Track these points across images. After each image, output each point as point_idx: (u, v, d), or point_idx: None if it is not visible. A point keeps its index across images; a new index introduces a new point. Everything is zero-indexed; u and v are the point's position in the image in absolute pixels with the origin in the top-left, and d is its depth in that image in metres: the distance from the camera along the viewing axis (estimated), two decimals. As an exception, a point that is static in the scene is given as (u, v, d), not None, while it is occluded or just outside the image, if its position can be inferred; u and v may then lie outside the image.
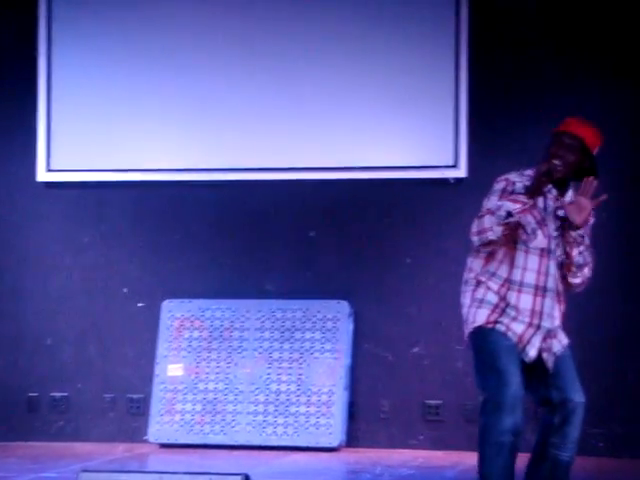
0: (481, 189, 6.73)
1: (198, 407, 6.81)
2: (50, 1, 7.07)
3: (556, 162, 4.07)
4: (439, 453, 6.52)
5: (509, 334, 4.05)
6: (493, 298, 4.08)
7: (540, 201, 4.09)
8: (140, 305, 7.09)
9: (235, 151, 6.99)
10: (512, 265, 4.06)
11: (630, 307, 6.56)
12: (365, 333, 6.88)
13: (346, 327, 6.83)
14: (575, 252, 4.09)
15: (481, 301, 4.10)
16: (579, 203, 4.04)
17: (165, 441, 6.75)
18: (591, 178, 4.06)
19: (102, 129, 7.05)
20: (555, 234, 4.11)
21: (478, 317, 4.08)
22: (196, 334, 6.95)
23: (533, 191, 4.03)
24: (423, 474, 5.77)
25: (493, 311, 4.07)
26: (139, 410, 6.91)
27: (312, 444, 6.60)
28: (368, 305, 6.89)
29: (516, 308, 4.04)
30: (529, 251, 4.06)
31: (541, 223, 4.07)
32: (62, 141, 7.09)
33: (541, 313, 4.06)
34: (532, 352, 4.06)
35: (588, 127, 4.16)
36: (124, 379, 6.97)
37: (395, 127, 6.86)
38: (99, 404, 6.96)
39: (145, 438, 6.79)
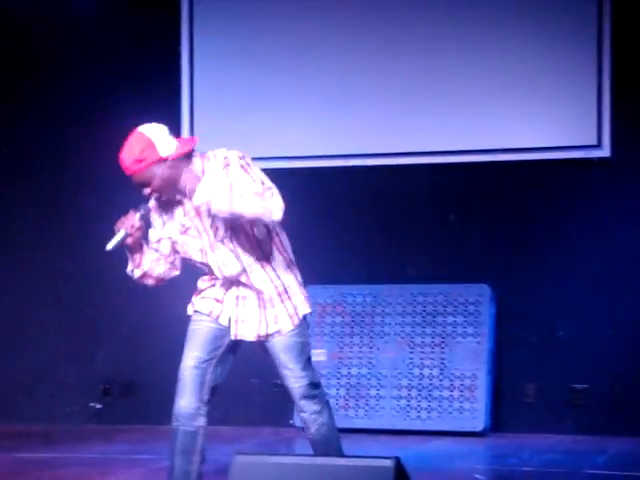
0: (625, 169, 6.67)
1: (342, 392, 6.87)
2: (192, -1, 7.28)
3: (155, 197, 3.96)
4: (586, 438, 6.41)
5: None
6: None
7: (180, 212, 3.98)
8: (283, 291, 7.17)
9: (375, 136, 7.01)
10: (202, 266, 4.12)
11: None
12: (508, 316, 6.82)
13: (488, 310, 6.78)
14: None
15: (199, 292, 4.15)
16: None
17: (311, 425, 6.82)
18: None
19: (243, 120, 7.16)
20: (207, 220, 3.96)
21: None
22: (338, 319, 7.01)
23: (130, 251, 4.01)
24: (572, 459, 5.69)
25: None
26: (285, 395, 6.99)
27: (457, 428, 6.59)
28: (510, 288, 6.83)
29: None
30: (193, 259, 4.06)
31: (185, 232, 3.99)
32: (205, 133, 7.23)
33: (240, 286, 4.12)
34: (223, 319, 4.13)
35: (131, 154, 3.96)
36: (270, 365, 7.06)
37: (536, 107, 6.77)
38: (246, 389, 7.09)
39: (291, 422, 6.89)
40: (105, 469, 5.32)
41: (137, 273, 4.08)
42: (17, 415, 7.33)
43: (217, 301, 4.08)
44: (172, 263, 4.09)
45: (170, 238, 4.05)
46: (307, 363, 4.15)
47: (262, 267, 4.03)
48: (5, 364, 7.50)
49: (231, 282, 4.08)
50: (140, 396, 7.28)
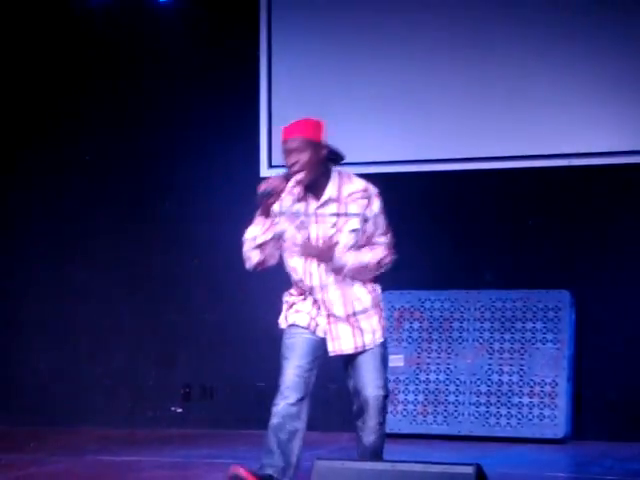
0: None
1: (420, 397, 6.85)
2: (270, 5, 7.31)
3: (295, 170, 4.22)
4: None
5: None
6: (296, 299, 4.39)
7: (302, 206, 4.30)
8: (360, 297, 7.17)
9: (453, 141, 6.99)
10: (292, 269, 4.36)
11: None
12: (588, 323, 6.74)
13: (568, 317, 6.70)
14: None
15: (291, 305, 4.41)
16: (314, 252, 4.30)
17: (389, 431, 6.75)
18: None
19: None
20: (325, 232, 4.28)
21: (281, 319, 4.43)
22: (416, 325, 6.99)
23: (263, 212, 4.29)
24: (657, 468, 5.60)
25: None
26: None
27: (537, 435, 6.53)
28: (591, 294, 6.74)
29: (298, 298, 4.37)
30: (292, 255, 4.33)
31: (300, 228, 4.30)
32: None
33: (318, 306, 4.33)
34: (320, 332, 4.32)
35: (300, 123, 4.30)
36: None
37: (616, 110, 6.68)
38: (324, 394, 7.09)
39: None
40: (186, 473, 5.39)
41: (260, 239, 4.28)
42: (99, 419, 7.45)
43: (311, 317, 4.36)
44: (276, 250, 4.35)
45: (282, 230, 4.31)
46: (387, 376, 4.42)
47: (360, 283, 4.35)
48: (87, 368, 7.62)
49: (321, 291, 4.31)
50: (220, 400, 7.35)
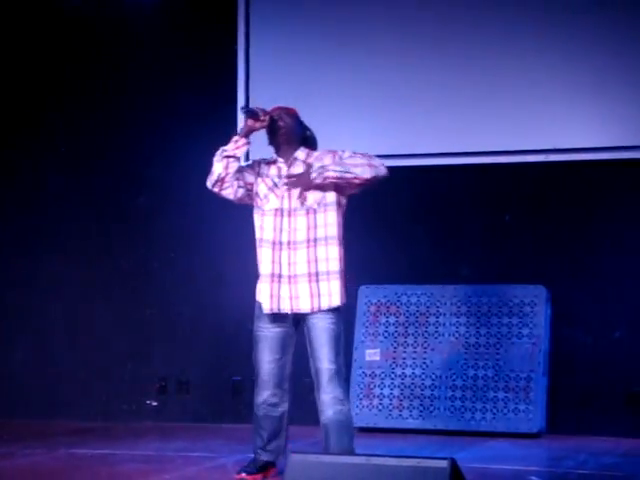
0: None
1: (396, 392, 6.86)
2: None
3: (278, 120, 4.79)
4: (644, 441, 6.35)
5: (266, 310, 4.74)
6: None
7: (274, 170, 4.81)
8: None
9: (430, 136, 6.99)
10: (257, 227, 4.78)
11: None
12: (563, 317, 6.77)
13: (543, 311, 6.73)
14: (331, 176, 4.69)
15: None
16: (295, 179, 4.74)
17: (364, 425, 6.82)
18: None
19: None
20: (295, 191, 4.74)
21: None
22: (392, 319, 7.00)
23: (242, 133, 4.79)
24: (630, 463, 5.61)
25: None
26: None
27: (511, 430, 6.55)
28: (566, 289, 6.77)
29: (261, 261, 4.75)
30: (265, 213, 4.75)
31: (273, 189, 4.77)
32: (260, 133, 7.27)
33: (280, 263, 4.69)
34: (284, 304, 4.70)
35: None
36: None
37: (594, 106, 6.71)
38: (300, 388, 7.09)
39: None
40: (160, 466, 5.38)
41: (229, 152, 4.70)
42: (74, 412, 7.42)
43: (272, 296, 4.70)
44: (236, 182, 4.75)
45: (256, 191, 4.78)
46: (341, 353, 4.68)
47: (326, 244, 4.68)
48: (62, 362, 7.59)
49: (289, 248, 4.65)
50: (195, 394, 7.34)
